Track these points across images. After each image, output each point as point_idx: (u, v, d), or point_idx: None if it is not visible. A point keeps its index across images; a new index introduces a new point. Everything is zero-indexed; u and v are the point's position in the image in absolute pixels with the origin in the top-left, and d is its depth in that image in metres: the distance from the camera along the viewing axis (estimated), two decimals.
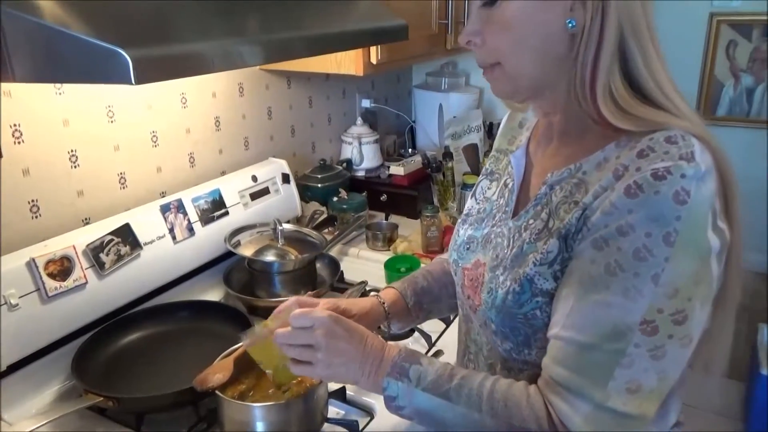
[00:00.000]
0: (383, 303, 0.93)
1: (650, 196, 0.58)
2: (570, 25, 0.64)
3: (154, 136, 1.32)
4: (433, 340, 1.21)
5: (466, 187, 1.81)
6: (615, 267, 0.60)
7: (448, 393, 0.69)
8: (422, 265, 1.46)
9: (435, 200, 1.81)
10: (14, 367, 1.00)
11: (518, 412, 0.66)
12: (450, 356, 1.15)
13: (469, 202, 0.89)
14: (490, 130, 2.17)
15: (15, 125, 1.05)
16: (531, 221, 0.71)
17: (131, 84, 0.66)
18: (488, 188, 0.86)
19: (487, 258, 0.77)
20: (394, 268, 1.44)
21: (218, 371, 0.90)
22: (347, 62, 1.42)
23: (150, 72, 0.68)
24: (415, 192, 1.81)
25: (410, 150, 2.12)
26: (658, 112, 0.63)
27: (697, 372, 0.74)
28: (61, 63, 0.69)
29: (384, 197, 1.84)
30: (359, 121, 1.96)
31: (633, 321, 0.59)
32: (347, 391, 1.04)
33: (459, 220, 0.89)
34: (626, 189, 0.59)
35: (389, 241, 1.61)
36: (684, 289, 0.59)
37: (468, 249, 0.83)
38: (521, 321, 0.70)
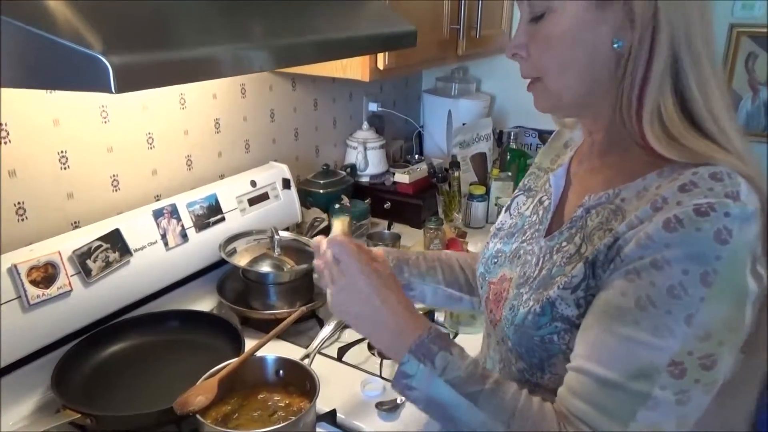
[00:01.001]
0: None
1: (691, 232, 0.56)
2: (616, 45, 0.62)
3: (150, 137, 1.28)
4: None
5: (472, 197, 1.76)
6: (646, 302, 0.57)
7: (477, 395, 0.63)
8: None
9: (440, 210, 1.76)
10: None
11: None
12: None
13: (503, 216, 0.87)
14: (500, 139, 2.11)
15: (2, 125, 1.01)
16: (564, 244, 0.69)
17: (111, 92, 0.62)
18: (523, 204, 0.84)
19: (514, 274, 0.75)
20: None
21: (201, 393, 0.86)
22: (353, 67, 1.37)
23: (133, 80, 0.64)
24: (420, 201, 1.76)
25: (417, 156, 2.06)
26: (709, 144, 0.60)
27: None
28: (41, 69, 0.65)
29: (388, 205, 1.79)
30: (365, 125, 1.91)
31: (662, 362, 0.57)
32: (338, 414, 1.00)
33: (490, 234, 0.87)
34: (665, 222, 0.57)
35: None
36: (716, 333, 0.57)
37: (495, 263, 0.81)
38: (537, 343, 0.68)
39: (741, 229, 0.55)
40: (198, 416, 0.83)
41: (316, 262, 0.75)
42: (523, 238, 0.78)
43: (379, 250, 0.90)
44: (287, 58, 0.87)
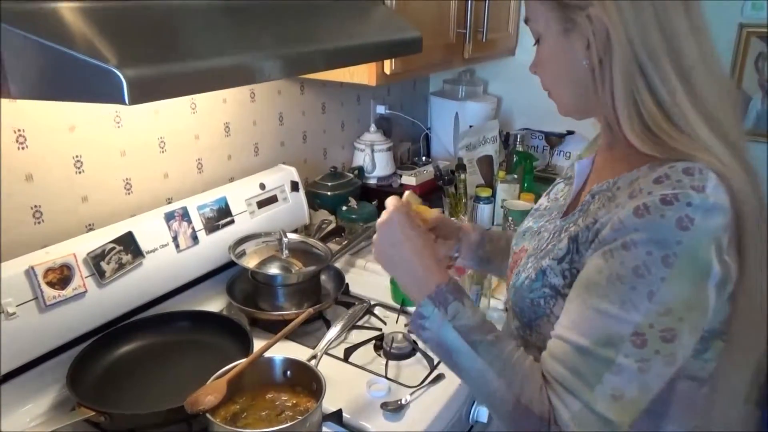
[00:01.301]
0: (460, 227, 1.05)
1: (656, 219, 0.63)
2: (585, 63, 0.71)
3: (161, 141, 1.31)
4: (435, 362, 1.18)
5: (478, 199, 1.78)
6: (616, 279, 0.65)
7: (478, 344, 0.72)
8: None
9: (446, 213, 1.78)
10: (10, 376, 0.99)
11: (529, 393, 0.68)
12: (451, 382, 1.12)
13: (542, 199, 0.96)
14: (506, 141, 2.12)
15: (19, 130, 1.04)
16: (572, 226, 0.76)
17: (124, 104, 0.65)
18: (561, 190, 0.93)
19: (530, 246, 0.85)
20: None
21: (211, 393, 0.89)
22: (360, 72, 1.39)
23: (145, 92, 0.66)
24: (426, 203, 1.77)
25: (424, 158, 2.08)
26: (691, 143, 0.67)
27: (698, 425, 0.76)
28: (57, 81, 0.68)
29: None
30: (373, 127, 1.93)
31: (626, 332, 0.64)
32: (344, 414, 1.02)
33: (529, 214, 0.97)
34: (635, 209, 0.64)
35: None
36: (676, 310, 0.63)
37: (522, 237, 0.90)
38: (528, 305, 0.78)
39: (703, 218, 0.62)
40: (208, 415, 0.86)
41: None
42: (549, 218, 0.87)
43: (467, 225, 1.07)
44: (295, 67, 0.89)
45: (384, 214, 0.82)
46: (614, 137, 0.75)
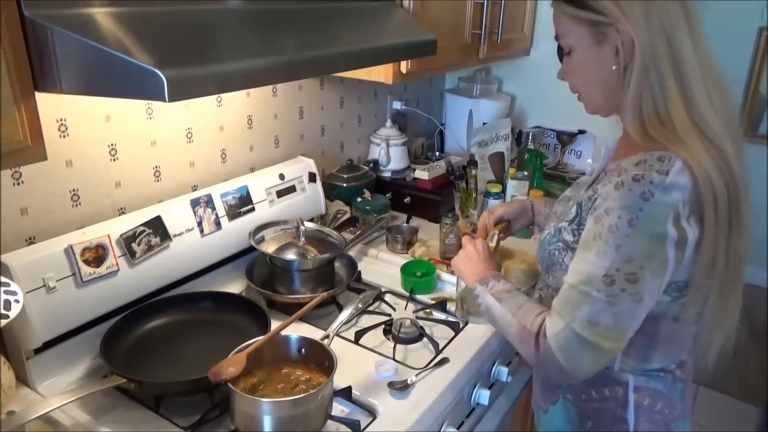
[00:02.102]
0: (531, 204, 1.33)
1: (626, 191, 0.84)
2: (613, 67, 0.90)
3: (189, 132, 1.39)
4: (441, 347, 1.25)
5: (488, 195, 1.83)
6: (597, 235, 0.86)
7: (502, 299, 1.00)
8: (438, 271, 1.51)
9: (456, 207, 1.84)
10: (49, 344, 1.09)
11: (529, 320, 0.93)
12: (455, 365, 1.19)
13: (586, 176, 1.19)
14: (519, 139, 2.18)
15: (61, 120, 1.13)
16: (587, 197, 0.94)
17: (164, 101, 0.72)
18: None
19: (560, 209, 1.09)
20: (410, 273, 1.49)
21: (232, 365, 0.97)
22: (377, 71, 1.46)
23: (183, 91, 0.74)
24: (438, 197, 1.85)
25: (438, 153, 2.14)
26: (671, 139, 0.85)
27: (696, 359, 1.04)
28: (104, 79, 0.76)
29: (407, 200, 1.88)
30: (389, 122, 1.99)
31: (599, 274, 0.85)
32: (353, 391, 1.10)
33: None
34: (615, 184, 0.85)
35: (408, 245, 1.65)
36: (637, 259, 0.84)
37: (560, 202, 1.14)
38: (547, 255, 1.02)
39: (662, 193, 0.82)
40: (229, 385, 0.94)
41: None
42: (580, 189, 1.06)
43: (538, 193, 1.47)
44: (316, 69, 0.97)
45: (470, 244, 1.16)
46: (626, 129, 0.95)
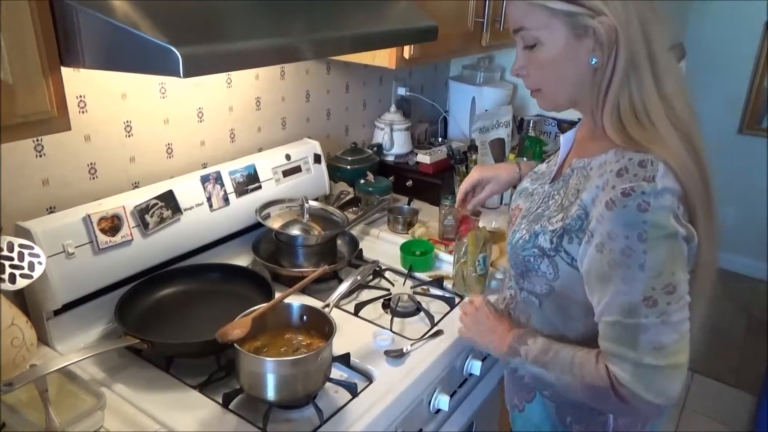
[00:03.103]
0: (519, 169, 1.29)
1: (621, 210, 0.79)
2: (593, 62, 0.85)
3: (200, 112, 1.46)
4: (436, 320, 1.32)
5: None
6: (613, 263, 0.81)
7: (547, 364, 0.93)
8: (435, 251, 1.57)
9: (456, 190, 1.90)
10: (68, 306, 1.16)
11: (590, 375, 0.87)
12: (448, 336, 1.26)
13: (542, 165, 1.12)
14: (520, 126, 2.23)
15: (80, 96, 1.19)
16: (555, 193, 0.95)
17: (180, 77, 0.78)
18: (553, 159, 1.09)
19: (524, 206, 1.03)
20: (409, 251, 1.55)
21: (238, 327, 1.03)
22: (381, 56, 1.51)
23: (197, 67, 0.80)
24: (438, 180, 1.91)
25: (441, 139, 2.20)
26: (651, 137, 0.82)
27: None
28: (123, 55, 0.82)
29: (409, 183, 1.94)
30: (393, 108, 2.05)
31: (636, 300, 0.80)
32: (351, 358, 1.17)
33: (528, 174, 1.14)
34: (606, 203, 0.81)
35: (409, 225, 1.71)
36: (665, 268, 0.80)
37: (518, 195, 1.09)
38: (521, 260, 0.97)
39: (656, 199, 0.78)
40: (236, 345, 1.01)
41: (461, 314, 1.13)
42: (541, 181, 1.04)
43: (530, 162, 1.29)
44: (322, 50, 1.02)
45: (470, 307, 1.10)
46: (591, 123, 0.92)
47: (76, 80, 1.17)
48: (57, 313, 1.15)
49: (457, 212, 1.64)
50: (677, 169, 0.80)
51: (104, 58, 0.84)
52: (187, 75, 0.78)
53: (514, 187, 1.28)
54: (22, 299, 1.14)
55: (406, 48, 1.51)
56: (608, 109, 0.85)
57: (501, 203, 1.92)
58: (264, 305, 1.10)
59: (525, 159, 1.97)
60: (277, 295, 1.19)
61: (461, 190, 1.29)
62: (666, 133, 0.83)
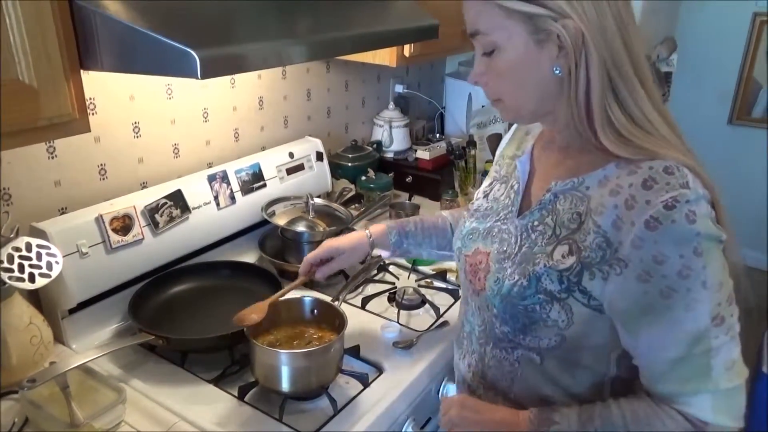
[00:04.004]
0: (370, 237, 1.17)
1: (669, 226, 0.69)
2: (557, 72, 0.75)
3: (205, 112, 1.48)
4: (441, 312, 1.35)
5: (486, 173, 1.92)
6: (668, 290, 0.70)
7: None
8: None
9: (456, 185, 1.93)
10: (83, 305, 1.18)
11: (661, 426, 0.75)
12: (455, 326, 1.29)
13: (480, 201, 0.99)
14: None
15: (90, 99, 1.21)
16: (536, 223, 0.82)
17: (197, 78, 0.81)
18: (498, 190, 0.96)
19: (491, 248, 0.88)
20: None
21: (254, 312, 1.06)
22: (382, 54, 1.54)
23: (213, 69, 0.82)
24: (438, 176, 1.94)
25: (438, 135, 2.23)
26: (656, 141, 0.74)
27: None
28: (140, 58, 0.84)
29: (409, 179, 1.97)
30: (391, 105, 2.08)
31: (705, 323, 0.70)
32: (361, 350, 1.20)
33: (467, 214, 1.00)
34: (646, 223, 0.69)
35: None
36: (724, 277, 0.72)
37: (470, 239, 0.94)
38: (521, 311, 0.81)
39: (699, 206, 0.69)
40: (251, 339, 1.03)
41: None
42: (497, 218, 0.91)
43: (381, 227, 1.19)
44: (330, 51, 1.05)
45: (453, 409, 0.90)
46: (573, 138, 0.80)
47: (86, 83, 1.18)
48: (72, 311, 1.17)
49: (458, 206, 1.67)
50: (697, 170, 0.73)
51: (122, 61, 0.87)
52: (204, 77, 0.81)
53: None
54: (36, 299, 1.16)
55: (407, 46, 1.54)
56: (599, 123, 0.74)
57: None
58: (278, 293, 1.13)
59: None
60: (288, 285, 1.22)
61: (305, 261, 1.17)
62: (668, 136, 0.76)
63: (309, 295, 1.20)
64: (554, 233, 0.79)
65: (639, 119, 0.74)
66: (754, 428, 2.33)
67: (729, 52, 3.47)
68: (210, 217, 1.40)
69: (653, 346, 0.73)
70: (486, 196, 0.98)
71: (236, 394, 1.07)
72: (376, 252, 1.21)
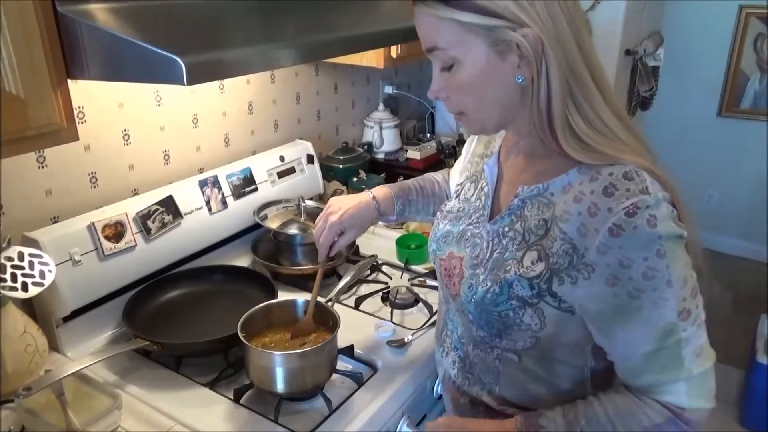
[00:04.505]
0: (375, 200, 1.12)
1: (631, 232, 0.71)
2: (519, 80, 0.75)
3: (195, 118, 1.49)
4: (435, 310, 1.36)
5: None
6: (635, 291, 0.72)
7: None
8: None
9: None
10: (77, 313, 1.19)
11: (643, 417, 0.78)
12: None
13: (452, 202, 1.00)
14: None
15: (79, 107, 1.22)
16: (507, 229, 0.83)
17: (184, 85, 0.81)
18: (468, 190, 0.97)
19: (464, 253, 0.89)
20: (404, 245, 1.60)
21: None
22: (369, 56, 1.55)
23: (199, 75, 0.83)
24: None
25: (429, 135, 2.24)
26: (617, 147, 0.75)
27: None
28: (126, 66, 0.85)
29: (401, 179, 1.97)
30: (381, 106, 2.09)
31: (673, 318, 0.73)
32: (355, 349, 1.20)
33: (439, 215, 1.00)
34: (609, 231, 0.71)
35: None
36: (687, 273, 0.75)
37: (444, 242, 0.94)
38: (496, 317, 0.83)
39: (659, 209, 0.71)
40: (244, 341, 1.04)
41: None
42: (469, 221, 0.91)
43: (385, 191, 1.15)
44: (316, 54, 1.06)
45: (441, 428, 0.91)
46: (536, 145, 0.81)
47: (74, 92, 1.18)
48: (66, 319, 1.18)
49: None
50: (656, 172, 0.75)
51: (108, 70, 0.87)
52: (191, 83, 0.81)
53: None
54: (30, 308, 1.16)
55: (394, 47, 1.55)
56: (560, 130, 0.74)
57: None
58: (313, 293, 1.13)
59: None
60: (280, 296, 1.23)
61: (323, 245, 1.10)
62: (627, 139, 0.76)
63: (302, 297, 1.20)
64: (524, 239, 0.81)
65: (596, 124, 0.75)
66: (751, 417, 2.36)
67: (716, 45, 3.50)
68: (202, 222, 1.41)
69: (627, 343, 0.76)
70: (458, 196, 0.99)
71: (231, 397, 1.08)
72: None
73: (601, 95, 0.75)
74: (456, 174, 1.12)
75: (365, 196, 1.12)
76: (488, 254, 0.85)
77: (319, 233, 1.10)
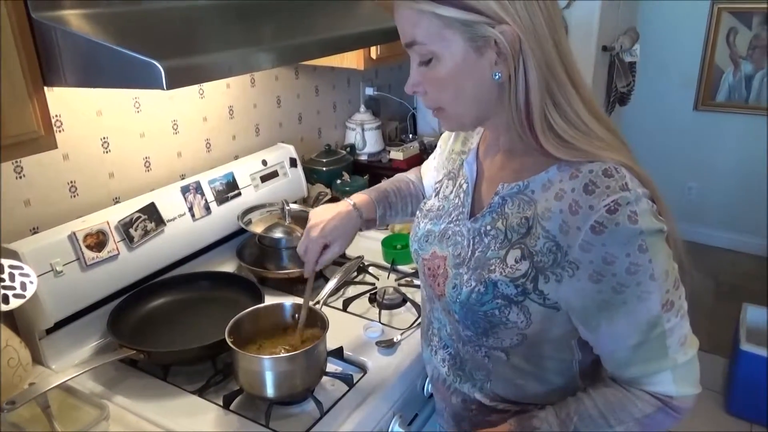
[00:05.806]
0: (361, 214, 1.10)
1: (613, 228, 0.72)
2: (496, 77, 0.75)
3: (174, 124, 1.47)
4: None
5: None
6: (619, 286, 0.74)
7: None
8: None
9: None
10: (60, 324, 1.17)
11: (634, 408, 0.80)
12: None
13: (432, 200, 0.99)
14: None
15: (56, 116, 1.20)
16: (488, 227, 0.83)
17: (163, 89, 0.81)
18: (447, 187, 0.97)
19: (446, 252, 0.89)
20: (390, 246, 1.60)
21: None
22: (350, 57, 1.55)
23: (178, 79, 0.83)
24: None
25: (411, 135, 2.25)
26: (596, 144, 0.75)
27: None
28: (104, 72, 0.84)
29: (384, 179, 1.98)
30: (363, 108, 2.09)
31: (657, 310, 0.75)
32: (344, 351, 1.20)
33: (419, 214, 1.00)
34: (592, 228, 0.72)
35: None
36: (669, 265, 0.76)
37: (426, 241, 0.94)
38: (482, 317, 0.83)
39: (639, 205, 0.72)
40: (233, 346, 1.03)
41: None
42: (449, 219, 0.91)
43: (365, 198, 1.12)
44: (295, 56, 1.06)
45: None
46: (515, 142, 0.81)
47: (51, 100, 1.17)
48: (49, 331, 1.16)
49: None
50: (634, 168, 0.76)
51: (86, 76, 0.87)
52: (170, 87, 0.81)
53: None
54: (12, 321, 1.14)
55: (373, 49, 1.55)
56: (539, 127, 0.74)
57: None
58: (305, 299, 1.11)
59: None
60: (267, 301, 1.22)
61: (309, 260, 1.07)
62: (605, 136, 0.77)
63: (289, 300, 1.20)
64: (506, 237, 0.81)
65: (575, 121, 0.75)
66: (736, 403, 2.39)
67: (690, 40, 3.56)
68: (185, 228, 1.40)
69: (613, 337, 0.78)
70: (437, 194, 0.99)
71: (221, 404, 1.07)
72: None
73: (577, 93, 0.76)
74: (431, 171, 1.12)
75: (345, 205, 1.10)
76: (470, 253, 0.85)
77: (303, 249, 1.07)
